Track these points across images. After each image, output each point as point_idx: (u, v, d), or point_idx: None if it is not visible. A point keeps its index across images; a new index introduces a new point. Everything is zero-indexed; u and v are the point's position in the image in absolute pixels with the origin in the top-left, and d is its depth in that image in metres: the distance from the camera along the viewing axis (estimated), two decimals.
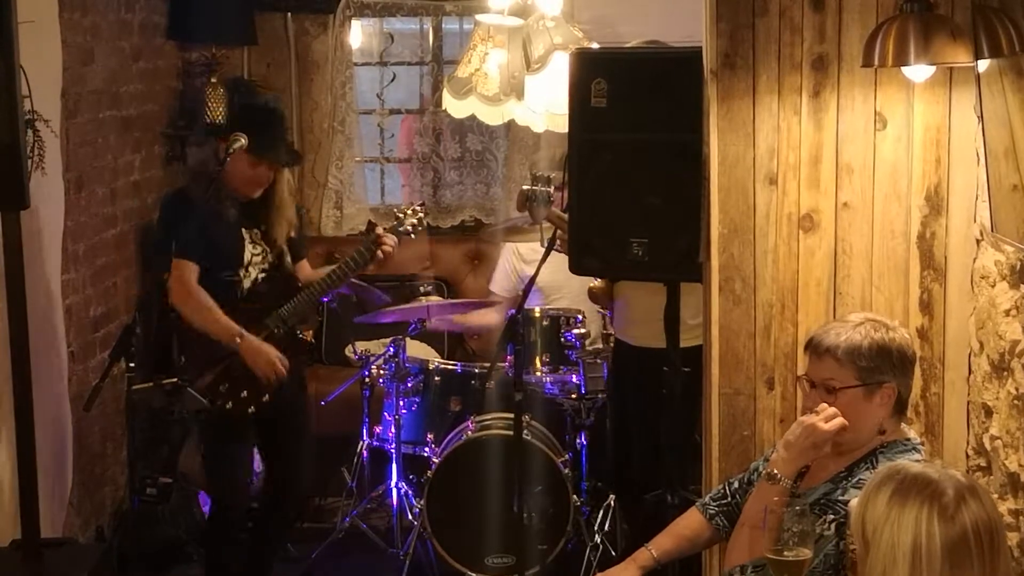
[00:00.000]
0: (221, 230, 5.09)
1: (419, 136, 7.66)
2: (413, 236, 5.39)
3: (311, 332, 5.56)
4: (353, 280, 5.60)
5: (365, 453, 5.90)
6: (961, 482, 2.45)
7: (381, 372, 5.76)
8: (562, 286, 5.86)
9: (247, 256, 5.16)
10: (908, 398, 3.30)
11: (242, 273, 5.14)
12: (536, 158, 6.84)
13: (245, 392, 5.08)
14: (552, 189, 4.78)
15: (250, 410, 5.10)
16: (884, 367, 3.21)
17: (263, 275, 5.19)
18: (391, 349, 5.74)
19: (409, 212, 5.41)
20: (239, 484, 5.25)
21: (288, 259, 5.25)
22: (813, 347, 3.29)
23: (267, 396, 5.12)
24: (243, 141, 4.99)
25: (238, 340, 5.03)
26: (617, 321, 5.32)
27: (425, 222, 5.47)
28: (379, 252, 5.23)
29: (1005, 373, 3.55)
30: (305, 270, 5.36)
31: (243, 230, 5.15)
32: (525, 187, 4.75)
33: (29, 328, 4.50)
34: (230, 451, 5.20)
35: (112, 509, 5.95)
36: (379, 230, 5.31)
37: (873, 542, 2.45)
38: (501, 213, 7.35)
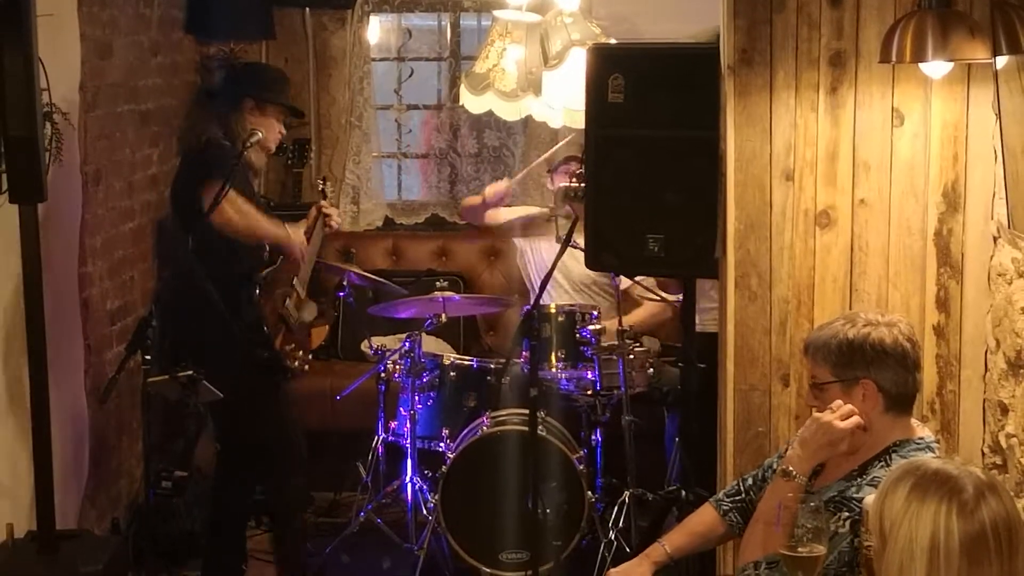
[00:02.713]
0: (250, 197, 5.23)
1: (436, 132, 7.65)
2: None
3: (327, 327, 5.58)
4: (370, 276, 5.67)
5: (380, 448, 5.89)
6: (980, 479, 2.44)
7: (397, 367, 5.75)
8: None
9: None
10: (902, 395, 3.21)
11: None
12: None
13: (300, 350, 5.32)
14: None
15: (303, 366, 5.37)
16: (856, 363, 3.19)
17: None
18: (407, 344, 5.74)
19: (326, 186, 5.83)
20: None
21: None
22: (804, 347, 3.35)
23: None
24: (260, 135, 5.02)
25: (290, 234, 5.25)
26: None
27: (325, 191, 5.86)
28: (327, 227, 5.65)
29: (1022, 371, 3.54)
30: None
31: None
32: (563, 184, 4.78)
33: (46, 321, 4.51)
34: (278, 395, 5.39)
35: (127, 502, 5.96)
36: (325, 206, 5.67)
37: (891, 537, 2.44)
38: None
